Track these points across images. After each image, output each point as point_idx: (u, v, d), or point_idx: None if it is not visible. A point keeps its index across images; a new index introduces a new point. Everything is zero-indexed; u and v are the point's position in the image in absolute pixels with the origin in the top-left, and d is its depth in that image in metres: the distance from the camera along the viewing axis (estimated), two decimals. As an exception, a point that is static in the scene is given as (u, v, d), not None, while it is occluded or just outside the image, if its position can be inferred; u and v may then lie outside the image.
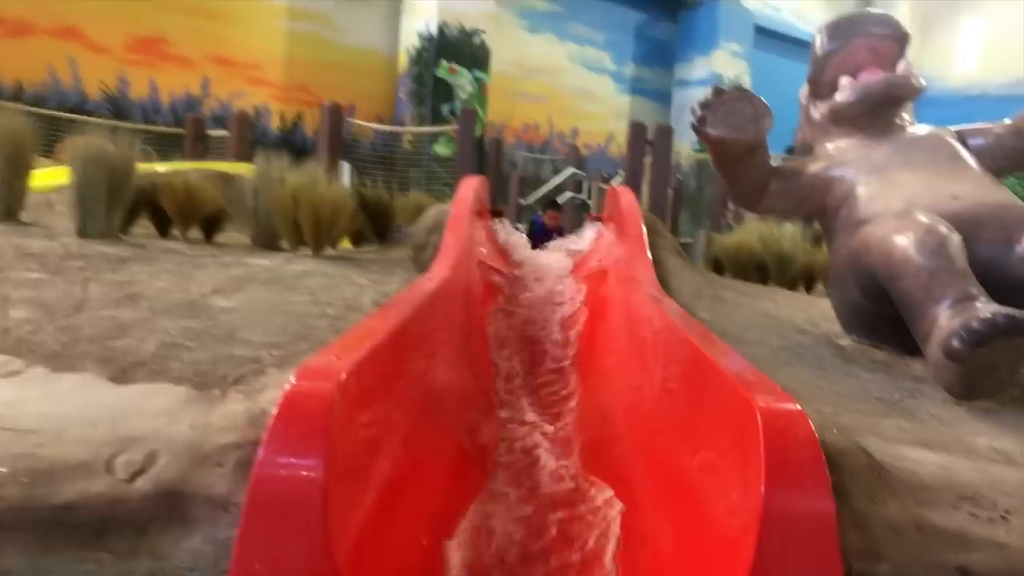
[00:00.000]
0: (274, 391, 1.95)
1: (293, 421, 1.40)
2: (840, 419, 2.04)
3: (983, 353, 2.25)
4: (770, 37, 16.10)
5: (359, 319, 2.74)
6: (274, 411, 1.39)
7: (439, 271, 3.18)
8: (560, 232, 6.88)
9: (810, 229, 6.44)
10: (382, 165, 9.50)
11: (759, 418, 1.47)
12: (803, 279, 5.47)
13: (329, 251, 4.29)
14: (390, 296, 3.26)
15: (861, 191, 3.19)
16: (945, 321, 2.39)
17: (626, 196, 4.61)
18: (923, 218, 2.61)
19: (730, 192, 3.49)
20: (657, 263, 3.81)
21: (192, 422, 1.78)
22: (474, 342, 3.39)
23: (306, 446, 1.34)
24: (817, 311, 3.97)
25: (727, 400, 1.67)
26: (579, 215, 7.43)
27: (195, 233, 4.73)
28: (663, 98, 15.25)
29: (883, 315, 2.93)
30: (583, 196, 9.92)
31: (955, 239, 2.53)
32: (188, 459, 1.61)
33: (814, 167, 3.43)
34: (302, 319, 2.72)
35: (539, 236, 6.72)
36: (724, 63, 14.11)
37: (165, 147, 9.02)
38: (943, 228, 2.56)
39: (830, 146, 3.52)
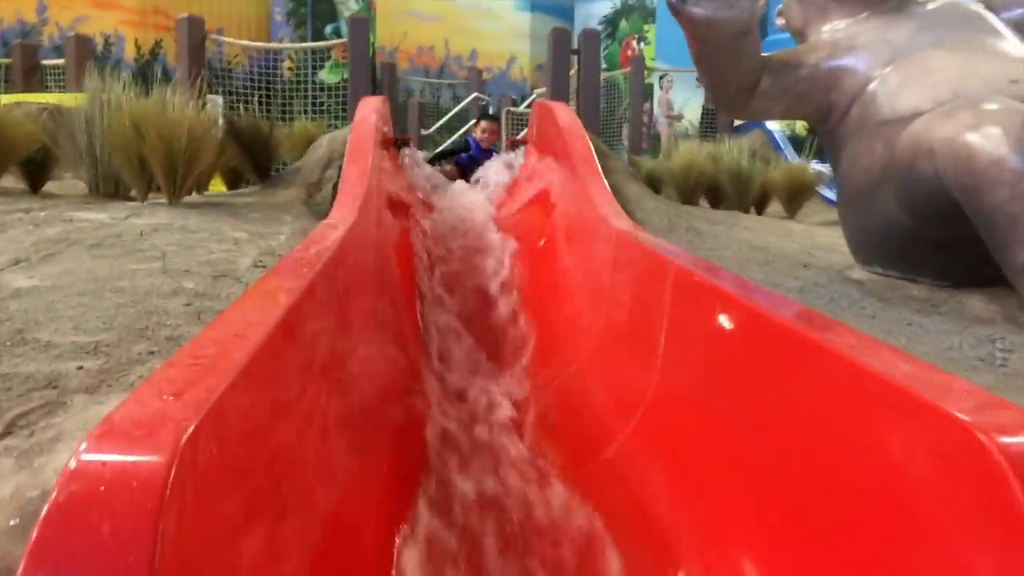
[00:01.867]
0: (73, 443, 1.14)
1: (70, 547, 0.63)
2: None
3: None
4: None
5: (235, 295, 1.90)
6: (37, 527, 0.63)
7: (343, 215, 2.36)
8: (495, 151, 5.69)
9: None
10: (260, 96, 8.27)
11: (1004, 463, 0.77)
12: (756, 200, 4.87)
13: (193, 197, 3.33)
14: (277, 253, 2.39)
15: (879, 85, 2.51)
16: (1058, 247, 1.75)
17: (563, 111, 3.80)
18: (1006, 106, 1.93)
19: (711, 91, 2.76)
20: (613, 190, 3.06)
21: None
22: (396, 306, 2.58)
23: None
24: (803, 238, 3.34)
25: (888, 418, 0.95)
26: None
27: (14, 183, 3.65)
28: (565, 14, 14.12)
29: (931, 239, 2.29)
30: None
31: (1057, 133, 1.87)
32: None
33: (813, 57, 2.72)
34: (144, 300, 1.83)
35: (476, 159, 5.51)
36: (630, -30, 13.12)
37: (-1, 83, 7.52)
38: (1038, 119, 1.89)
39: (826, 30, 2.81)
